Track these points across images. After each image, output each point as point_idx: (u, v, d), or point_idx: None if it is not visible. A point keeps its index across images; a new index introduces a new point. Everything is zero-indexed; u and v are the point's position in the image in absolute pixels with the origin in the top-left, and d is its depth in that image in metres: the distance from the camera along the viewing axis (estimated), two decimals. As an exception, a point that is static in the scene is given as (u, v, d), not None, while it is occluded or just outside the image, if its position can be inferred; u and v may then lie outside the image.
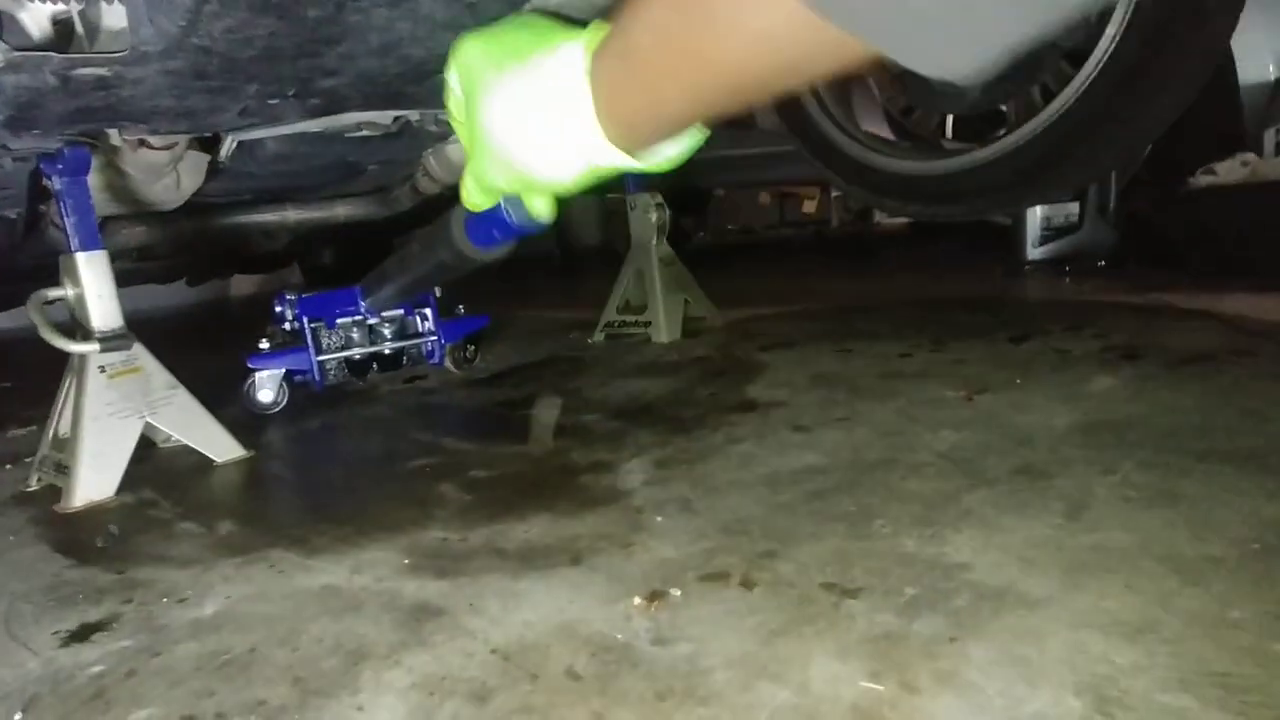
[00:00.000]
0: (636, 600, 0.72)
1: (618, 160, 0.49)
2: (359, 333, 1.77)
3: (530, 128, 0.51)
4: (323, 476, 1.24)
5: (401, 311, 1.81)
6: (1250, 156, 2.16)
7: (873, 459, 1.01)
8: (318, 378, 1.69)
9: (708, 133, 0.52)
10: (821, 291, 2.63)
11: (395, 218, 2.64)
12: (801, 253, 4.69)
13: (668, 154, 0.51)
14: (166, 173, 1.61)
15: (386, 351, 1.79)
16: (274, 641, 0.72)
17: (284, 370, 1.70)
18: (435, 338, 1.85)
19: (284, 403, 1.68)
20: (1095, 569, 0.68)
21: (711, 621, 0.67)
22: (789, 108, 2.15)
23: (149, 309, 4.40)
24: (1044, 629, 0.60)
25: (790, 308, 2.29)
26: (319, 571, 0.87)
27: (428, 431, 1.42)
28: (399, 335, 1.81)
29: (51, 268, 1.31)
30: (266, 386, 1.68)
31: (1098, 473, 0.88)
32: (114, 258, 2.72)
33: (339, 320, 1.75)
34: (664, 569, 0.78)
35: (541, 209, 0.66)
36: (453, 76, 0.57)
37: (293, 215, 2.48)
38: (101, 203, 1.69)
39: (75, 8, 0.94)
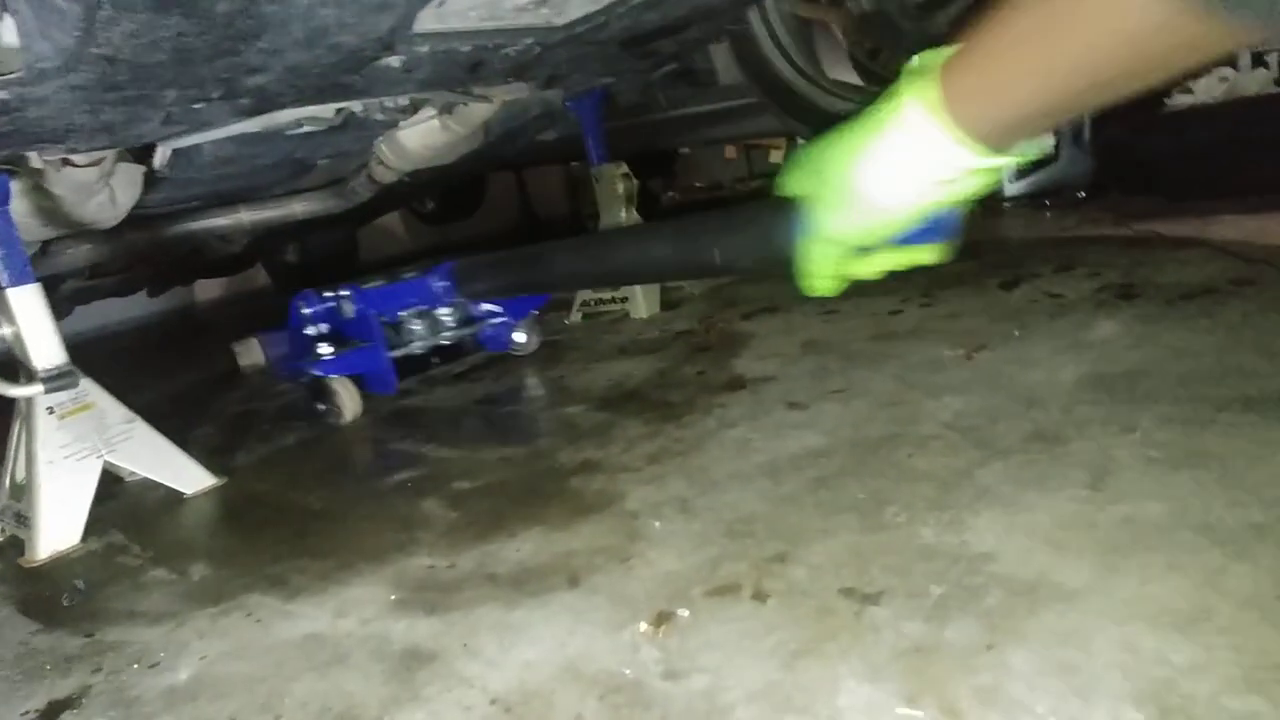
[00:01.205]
0: (643, 626, 0.67)
1: (972, 163, 0.49)
2: (421, 324, 1.60)
3: (879, 164, 0.53)
4: (300, 501, 1.18)
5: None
6: (1228, 71, 2.10)
7: (875, 435, 0.96)
8: (391, 378, 1.51)
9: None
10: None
11: (356, 208, 2.54)
12: (774, 206, 4.61)
13: (1024, 149, 0.52)
14: (98, 190, 1.50)
15: (446, 341, 1.62)
16: (254, 708, 0.66)
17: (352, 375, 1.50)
18: (502, 319, 1.66)
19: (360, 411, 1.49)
20: (1131, 548, 0.63)
21: (726, 645, 0.62)
22: (752, 60, 2.06)
23: (111, 323, 4.27)
24: (1087, 626, 0.55)
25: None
26: (300, 617, 0.81)
27: (407, 439, 1.35)
28: (461, 322, 1.64)
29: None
30: (341, 395, 1.47)
31: (1116, 432, 0.83)
32: (63, 278, 2.59)
33: (401, 313, 1.57)
34: (669, 584, 0.72)
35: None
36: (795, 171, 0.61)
37: (247, 217, 2.37)
38: (34, 228, 1.59)
39: (-42, 26, 0.84)
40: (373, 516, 1.04)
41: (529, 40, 1.27)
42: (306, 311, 1.56)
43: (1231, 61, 2.20)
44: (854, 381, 1.15)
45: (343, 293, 1.54)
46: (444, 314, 1.62)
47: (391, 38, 1.05)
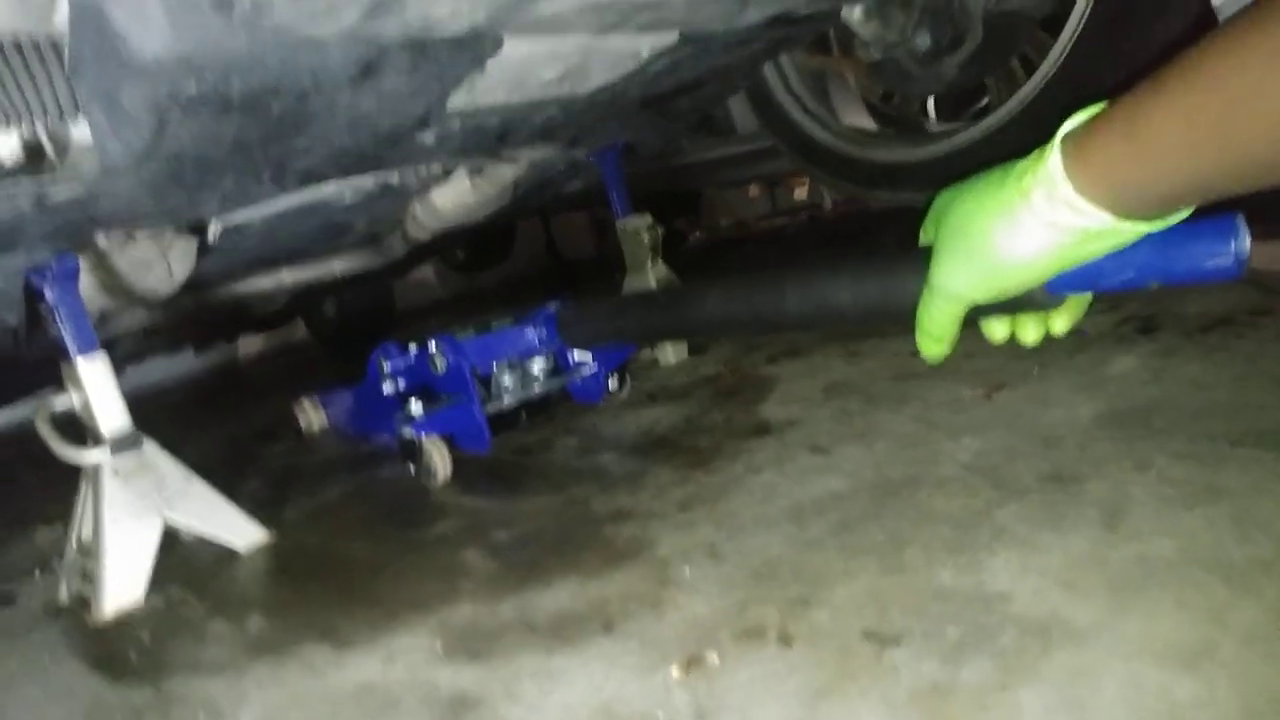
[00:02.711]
0: (674, 670, 0.70)
1: (1109, 227, 0.50)
2: (512, 377, 1.52)
3: (1001, 218, 0.54)
4: (346, 552, 1.24)
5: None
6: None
7: (896, 477, 0.99)
8: (485, 436, 1.43)
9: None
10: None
11: (391, 263, 2.65)
12: (797, 242, 4.66)
13: (1163, 219, 0.53)
14: (157, 264, 1.60)
15: (536, 394, 1.54)
16: (314, 755, 0.71)
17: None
18: (594, 369, 1.58)
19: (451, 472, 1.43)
20: (1141, 585, 0.66)
21: (752, 687, 0.66)
22: (768, 110, 2.14)
23: (160, 380, 4.43)
24: (1097, 664, 0.58)
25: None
26: (352, 667, 0.86)
27: (446, 490, 1.41)
28: (552, 374, 1.56)
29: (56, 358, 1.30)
30: (434, 456, 1.40)
31: (1131, 470, 0.85)
32: (119, 340, 2.72)
33: (495, 365, 1.50)
34: (698, 629, 0.76)
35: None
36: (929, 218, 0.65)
37: (289, 277, 2.49)
38: (97, 299, 1.69)
39: (42, 130, 0.93)
40: (416, 566, 1.09)
41: (553, 109, 1.35)
42: (388, 366, 1.50)
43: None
44: (875, 424, 1.19)
45: (433, 345, 1.45)
46: (535, 366, 1.55)
47: (426, 117, 1.13)
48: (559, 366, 1.58)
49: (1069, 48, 1.76)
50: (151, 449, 1.32)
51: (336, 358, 4.16)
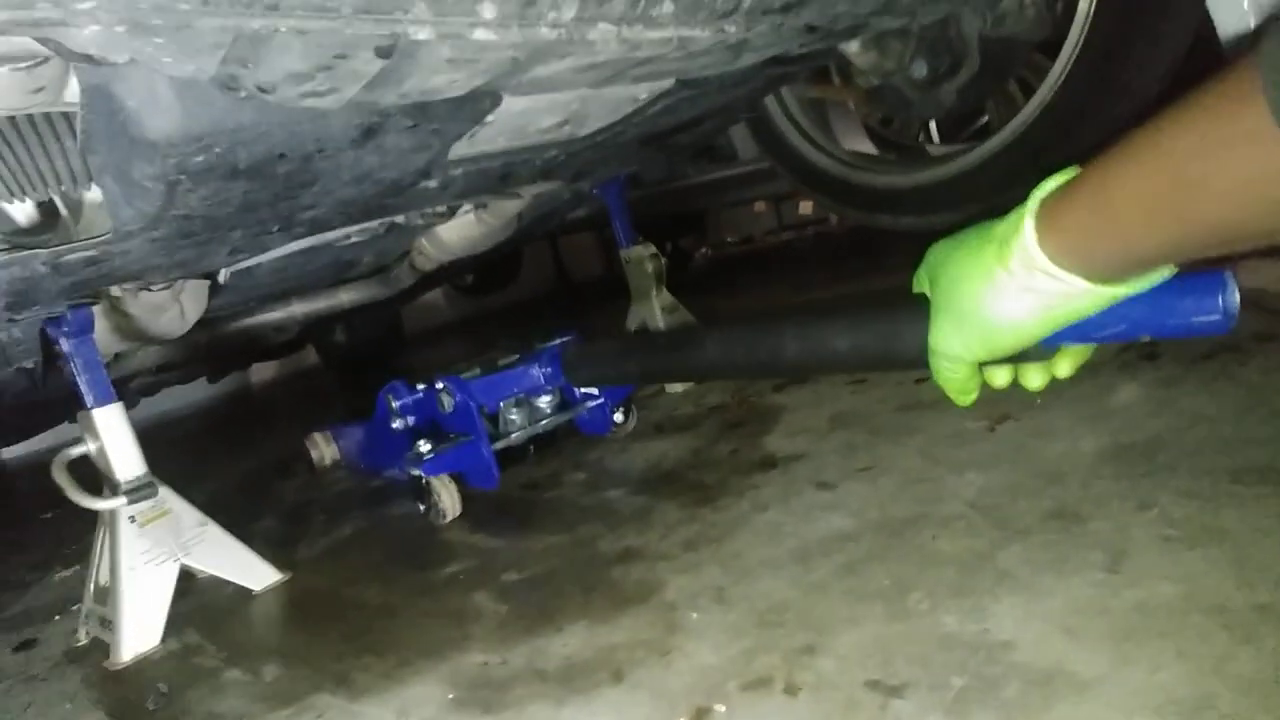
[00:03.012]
0: (682, 724, 0.71)
1: (1084, 290, 0.52)
2: (519, 413, 1.52)
3: (985, 284, 0.56)
4: (359, 596, 1.25)
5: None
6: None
7: (901, 516, 0.99)
8: (494, 473, 1.42)
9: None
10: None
11: (400, 292, 2.68)
12: (804, 258, 4.67)
13: (1137, 282, 0.54)
14: (169, 307, 1.63)
15: (543, 429, 1.54)
16: (329, 813, 0.72)
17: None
18: (600, 402, 1.58)
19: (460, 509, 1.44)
20: (1144, 634, 0.66)
21: (760, 742, 0.66)
22: (769, 138, 2.16)
23: (173, 409, 4.47)
24: (1099, 718, 0.59)
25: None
26: (366, 718, 0.87)
27: (455, 528, 1.42)
28: (559, 408, 1.57)
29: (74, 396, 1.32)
30: (443, 495, 1.42)
31: (1133, 509, 0.86)
32: (132, 376, 2.75)
33: (502, 402, 1.51)
34: (706, 679, 0.77)
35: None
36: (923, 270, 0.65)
37: (299, 309, 2.53)
38: (111, 342, 1.72)
39: (56, 195, 0.96)
40: (428, 612, 1.10)
41: (553, 151, 1.37)
42: (396, 404, 1.52)
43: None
44: (880, 458, 1.19)
45: (439, 385, 1.47)
46: (542, 400, 1.55)
47: (429, 168, 1.15)
48: (566, 400, 1.59)
49: (1066, 70, 1.78)
50: (167, 494, 1.34)
51: (346, 383, 4.19)
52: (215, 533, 1.36)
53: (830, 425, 1.40)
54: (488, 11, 0.60)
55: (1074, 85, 1.77)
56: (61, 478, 1.27)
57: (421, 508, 1.45)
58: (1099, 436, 1.06)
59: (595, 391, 1.58)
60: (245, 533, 1.75)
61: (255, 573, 1.37)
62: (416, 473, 1.41)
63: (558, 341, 1.54)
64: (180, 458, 3.13)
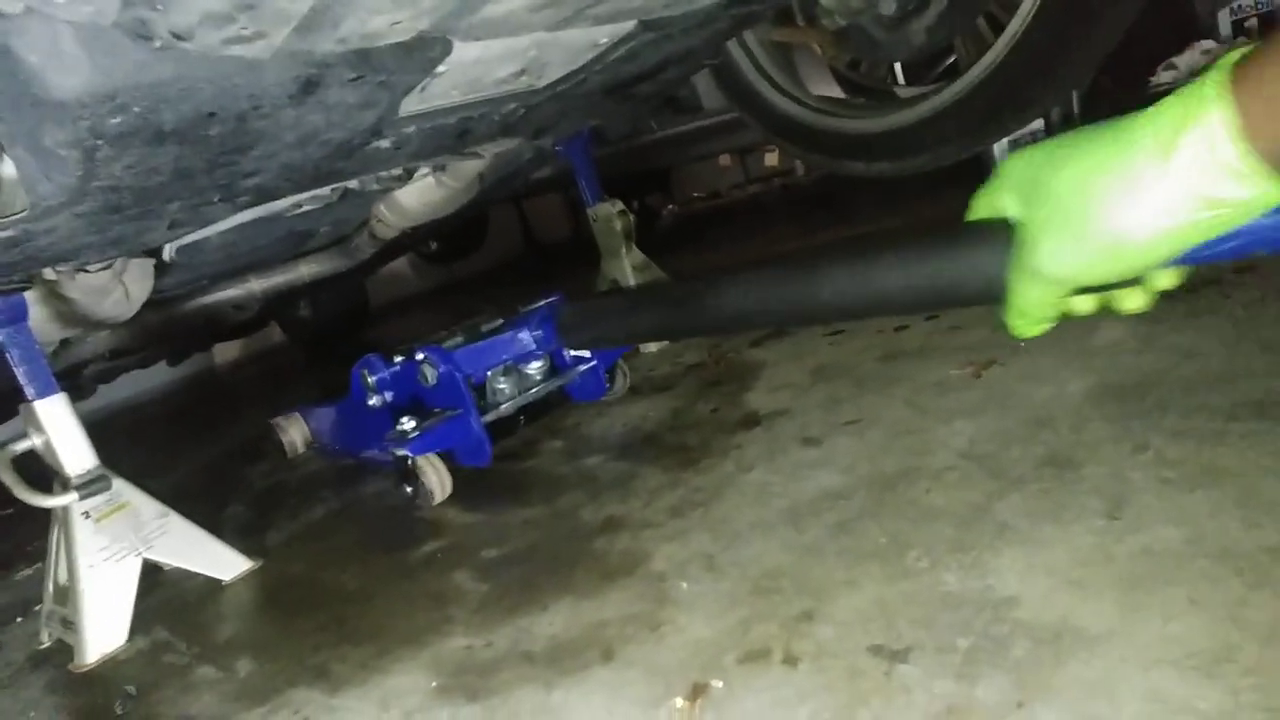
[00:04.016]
0: (679, 702, 0.68)
1: (1265, 193, 0.42)
2: (508, 381, 1.43)
3: (1129, 189, 0.45)
4: (333, 581, 1.20)
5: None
6: (1209, 44, 2.10)
7: (891, 470, 0.96)
8: (486, 449, 1.33)
9: None
10: (802, 259, 2.57)
11: (362, 263, 2.58)
12: (772, 211, 4.62)
13: None
14: (113, 289, 1.54)
15: (534, 398, 1.43)
16: (311, 816, 0.68)
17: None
18: (592, 365, 1.47)
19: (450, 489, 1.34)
20: (1151, 582, 0.64)
21: (760, 717, 0.63)
22: (734, 86, 2.08)
23: (135, 395, 4.34)
24: (1113, 675, 0.56)
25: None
26: (346, 711, 0.83)
27: (432, 506, 1.37)
28: (549, 375, 1.46)
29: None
30: (431, 476, 1.32)
31: (1128, 452, 0.83)
32: (86, 363, 2.64)
33: (490, 371, 1.41)
34: (701, 653, 0.74)
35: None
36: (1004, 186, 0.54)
37: (257, 285, 2.43)
38: (52, 330, 1.63)
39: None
40: (406, 595, 1.06)
41: (512, 105, 1.30)
42: (373, 380, 1.42)
43: (1214, 33, 2.19)
44: (866, 410, 1.16)
45: (420, 356, 1.37)
46: (532, 368, 1.45)
47: (379, 126, 1.08)
48: (555, 366, 1.48)
49: (1036, 6, 1.72)
50: (123, 486, 1.27)
51: (313, 360, 4.09)
52: (178, 523, 1.30)
53: (812, 379, 1.37)
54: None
55: (1046, 17, 1.72)
56: (7, 475, 1.20)
57: (408, 490, 1.35)
58: (1086, 378, 1.04)
59: (587, 355, 1.47)
60: (213, 521, 1.69)
61: (224, 562, 1.32)
62: (401, 453, 1.30)
63: (544, 303, 1.45)
64: (143, 446, 3.02)
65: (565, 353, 1.47)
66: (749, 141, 3.88)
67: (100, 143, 0.73)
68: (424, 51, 0.84)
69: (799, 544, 0.87)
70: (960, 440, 0.98)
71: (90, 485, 1.21)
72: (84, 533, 1.21)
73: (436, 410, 1.35)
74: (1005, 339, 1.26)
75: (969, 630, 0.65)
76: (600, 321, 1.31)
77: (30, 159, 0.77)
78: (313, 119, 0.92)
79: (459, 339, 1.41)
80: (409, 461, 1.31)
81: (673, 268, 2.10)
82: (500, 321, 1.45)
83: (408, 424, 1.29)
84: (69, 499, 1.19)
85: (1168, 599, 0.61)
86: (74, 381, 2.89)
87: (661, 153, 3.92)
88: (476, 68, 1.03)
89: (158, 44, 0.61)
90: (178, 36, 0.59)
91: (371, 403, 1.43)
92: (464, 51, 0.92)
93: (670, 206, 6.19)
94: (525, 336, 1.41)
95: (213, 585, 1.30)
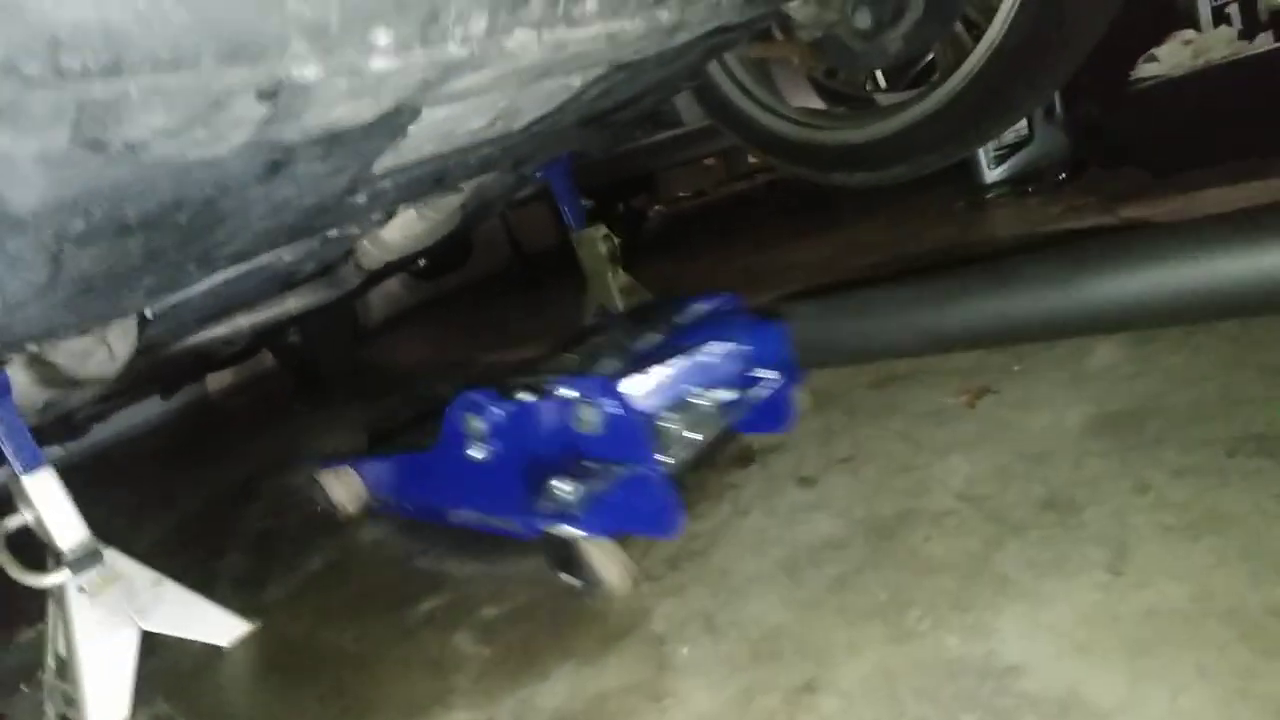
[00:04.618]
0: (684, 788, 0.67)
1: None
2: (684, 419, 1.08)
3: None
4: (333, 643, 1.19)
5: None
6: (1189, 33, 2.08)
7: (888, 513, 0.95)
8: (672, 516, 1.02)
9: None
10: (786, 266, 2.55)
11: (347, 293, 2.57)
12: (757, 210, 4.60)
13: None
14: (96, 349, 1.52)
15: (716, 436, 1.12)
16: None
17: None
18: (781, 387, 1.16)
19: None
20: (1159, 647, 0.63)
21: (768, 805, 0.62)
22: (713, 102, 2.07)
23: (127, 429, 4.30)
24: (1123, 758, 0.55)
25: (761, 299, 2.21)
26: (349, 798, 0.82)
27: (428, 554, 1.36)
28: (729, 404, 1.12)
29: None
30: (602, 562, 0.98)
31: (1129, 492, 0.82)
32: (75, 411, 2.61)
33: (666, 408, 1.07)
34: (704, 729, 0.73)
35: None
36: None
37: (245, 321, 2.40)
38: (37, 394, 1.61)
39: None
40: (406, 660, 1.05)
41: (488, 149, 1.28)
42: (482, 425, 1.09)
43: (1193, 21, 2.18)
44: (860, 444, 1.15)
45: (571, 393, 1.02)
46: (710, 396, 1.10)
47: (353, 185, 1.06)
48: (743, 390, 1.14)
49: (1015, 7, 1.70)
50: (115, 557, 1.25)
51: (306, 384, 4.06)
52: (172, 590, 1.28)
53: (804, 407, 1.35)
54: (381, 38, 0.52)
55: (1023, 22, 1.70)
56: (1, 555, 1.18)
57: (571, 580, 1.00)
58: (1083, 405, 1.02)
59: (774, 374, 1.13)
60: (210, 573, 1.68)
61: (221, 627, 1.30)
62: (564, 531, 0.96)
63: (726, 306, 1.14)
64: (138, 485, 3.00)
65: (750, 372, 1.14)
66: (732, 143, 3.87)
67: (64, 244, 0.72)
68: (391, 122, 0.83)
69: (798, 600, 0.86)
70: (957, 479, 0.97)
71: (84, 561, 1.20)
72: (80, 608, 1.20)
73: (595, 464, 1.00)
74: (998, 359, 1.25)
75: (974, 703, 0.64)
76: (856, 328, 0.97)
77: (-4, 261, 0.76)
78: (283, 191, 0.90)
79: (611, 362, 1.08)
80: (573, 542, 0.97)
81: (663, 274, 2.09)
82: (659, 337, 1.15)
83: (567, 488, 0.97)
84: (63, 577, 1.17)
85: (1176, 667, 0.60)
86: (66, 424, 2.87)
87: (645, 159, 3.90)
88: (448, 124, 1.01)
89: (114, 153, 0.59)
90: (132, 148, 0.58)
91: (473, 454, 1.13)
92: (433, 113, 0.90)
93: (657, 207, 6.16)
94: (724, 354, 1.06)
95: (211, 650, 1.28)
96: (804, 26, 1.82)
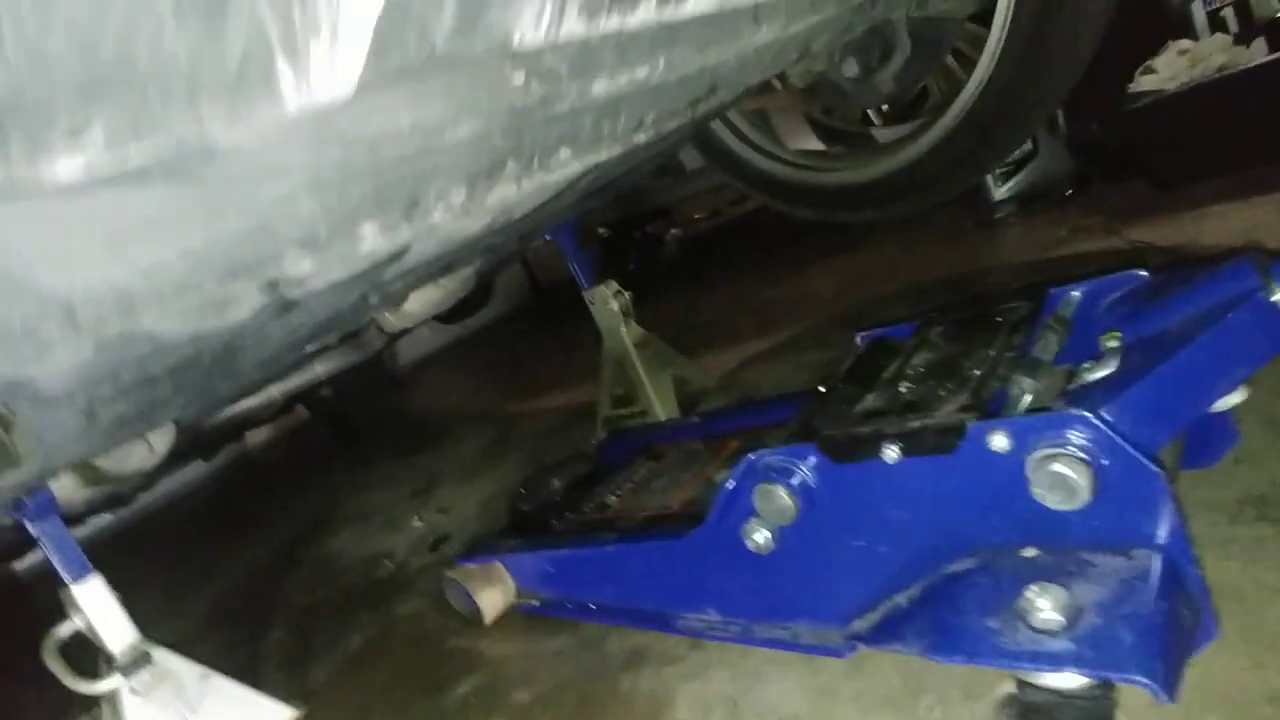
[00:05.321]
0: None
1: None
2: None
3: None
4: (376, 730, 1.23)
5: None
6: (1185, 43, 2.07)
7: (902, 587, 0.97)
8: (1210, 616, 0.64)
9: None
10: (801, 297, 2.58)
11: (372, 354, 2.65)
12: (767, 231, 4.61)
13: None
14: (137, 448, 1.59)
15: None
16: None
17: None
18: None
19: None
20: (1160, 741, 0.64)
21: None
22: (714, 152, 2.10)
23: (170, 491, 4.41)
24: None
25: (778, 336, 2.24)
26: None
27: (463, 633, 1.39)
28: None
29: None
30: None
31: (1132, 563, 0.83)
32: (119, 497, 2.69)
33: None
34: (728, 830, 0.75)
35: None
36: None
37: (277, 390, 2.49)
38: (82, 494, 1.68)
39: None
40: (445, 751, 1.08)
41: (490, 238, 1.33)
42: (788, 501, 0.78)
43: (1188, 28, 2.17)
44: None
45: (1007, 436, 0.65)
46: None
47: (365, 296, 1.11)
48: None
49: (1005, 34, 1.71)
50: (163, 656, 1.31)
51: (341, 437, 4.15)
52: (219, 683, 1.34)
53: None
54: (367, 230, 0.56)
55: (1015, 44, 1.71)
56: (55, 665, 1.24)
57: None
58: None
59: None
60: (255, 653, 1.74)
61: (268, 716, 1.35)
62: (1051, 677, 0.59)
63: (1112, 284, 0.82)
64: (181, 555, 3.10)
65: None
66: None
67: (97, 402, 0.77)
68: (387, 262, 0.87)
69: (814, 685, 0.88)
70: (967, 547, 0.98)
71: (135, 664, 1.25)
72: (134, 709, 1.25)
73: (1062, 551, 0.65)
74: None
75: (985, 804, 0.66)
76: None
77: (36, 423, 0.81)
78: (297, 319, 0.95)
79: (1026, 383, 0.72)
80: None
81: (680, 311, 2.12)
82: (1054, 337, 0.81)
83: (1051, 605, 0.59)
84: (116, 682, 1.23)
85: (1177, 763, 0.62)
86: (114, 499, 2.98)
87: (657, 194, 3.96)
88: (445, 238, 1.06)
89: (136, 340, 0.64)
90: (152, 335, 0.62)
91: (758, 539, 0.83)
92: (424, 246, 0.94)
93: (673, 231, 6.20)
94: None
95: (262, 738, 1.33)
96: (795, 74, 1.85)
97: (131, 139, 0.32)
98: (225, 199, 0.42)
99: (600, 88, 0.58)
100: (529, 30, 0.43)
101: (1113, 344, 0.75)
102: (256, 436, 5.10)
